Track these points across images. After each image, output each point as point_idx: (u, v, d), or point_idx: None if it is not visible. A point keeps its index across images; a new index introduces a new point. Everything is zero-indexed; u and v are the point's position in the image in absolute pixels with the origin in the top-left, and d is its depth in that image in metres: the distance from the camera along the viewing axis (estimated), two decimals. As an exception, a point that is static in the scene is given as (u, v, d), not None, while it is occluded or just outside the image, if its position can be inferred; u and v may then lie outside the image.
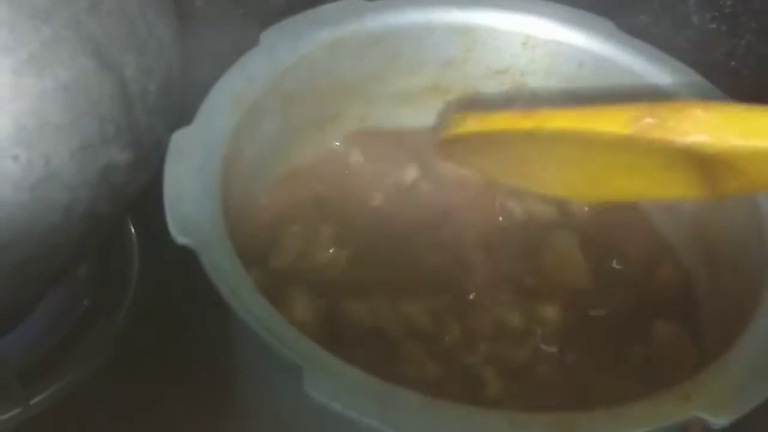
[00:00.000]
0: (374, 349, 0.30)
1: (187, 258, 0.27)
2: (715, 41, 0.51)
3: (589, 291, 0.34)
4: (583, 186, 0.36)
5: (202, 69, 0.35)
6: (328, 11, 0.36)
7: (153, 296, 0.44)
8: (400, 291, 0.33)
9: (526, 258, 0.35)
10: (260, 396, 0.31)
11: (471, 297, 0.34)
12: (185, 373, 0.40)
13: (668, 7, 0.50)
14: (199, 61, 0.38)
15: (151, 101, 0.34)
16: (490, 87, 0.40)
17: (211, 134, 0.30)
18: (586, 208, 0.37)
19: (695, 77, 0.36)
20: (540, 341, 0.31)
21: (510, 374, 0.30)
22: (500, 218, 0.37)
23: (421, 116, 0.41)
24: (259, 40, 0.35)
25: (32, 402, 0.38)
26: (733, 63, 0.51)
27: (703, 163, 0.28)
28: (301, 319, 0.31)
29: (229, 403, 0.36)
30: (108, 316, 0.43)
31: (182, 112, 0.35)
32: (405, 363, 0.30)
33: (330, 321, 0.32)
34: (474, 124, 0.34)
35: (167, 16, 0.36)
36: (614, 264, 0.35)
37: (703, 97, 0.35)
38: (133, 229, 0.46)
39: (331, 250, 0.35)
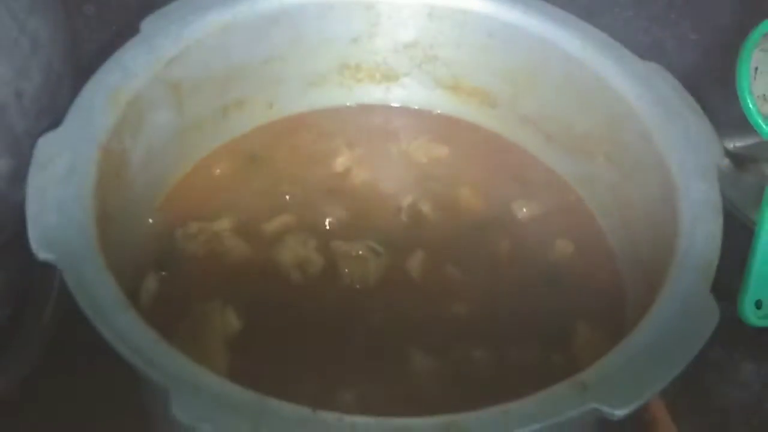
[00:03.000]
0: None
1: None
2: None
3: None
4: None
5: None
6: (215, -7, 0.34)
7: (76, 304, 0.42)
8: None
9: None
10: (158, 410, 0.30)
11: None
12: (111, 385, 0.39)
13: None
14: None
15: (29, 103, 0.32)
16: (402, 62, 0.39)
17: (84, 137, 0.28)
18: (524, 210, 0.36)
19: (607, 40, 0.34)
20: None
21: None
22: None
23: (334, 96, 0.39)
24: (140, 28, 0.32)
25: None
26: (672, 15, 0.50)
27: None
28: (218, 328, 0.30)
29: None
30: (30, 326, 0.41)
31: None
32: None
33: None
34: None
35: (43, 8, 0.33)
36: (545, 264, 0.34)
37: (615, 60, 0.34)
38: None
39: (241, 248, 0.33)
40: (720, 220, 0.28)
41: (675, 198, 0.29)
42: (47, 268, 0.43)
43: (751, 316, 0.37)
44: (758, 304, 0.37)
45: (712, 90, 0.40)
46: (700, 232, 0.27)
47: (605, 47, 0.34)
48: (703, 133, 0.31)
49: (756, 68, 0.38)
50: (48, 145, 0.28)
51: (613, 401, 0.22)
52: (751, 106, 0.37)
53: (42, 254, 0.25)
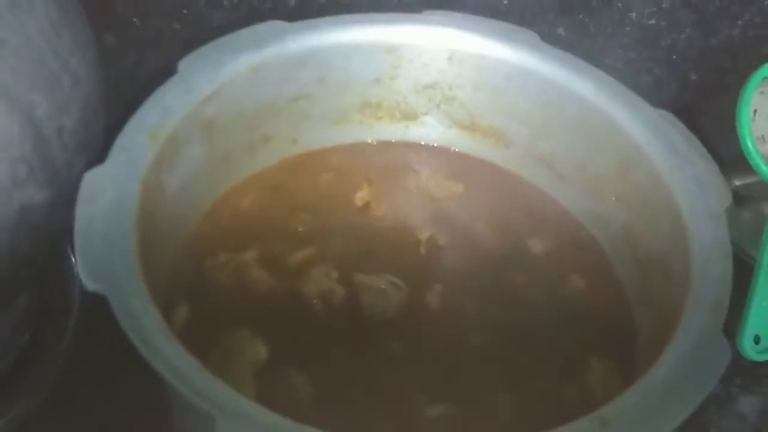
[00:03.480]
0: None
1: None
2: (655, 37, 0.51)
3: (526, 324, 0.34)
4: None
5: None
6: (248, 35, 0.36)
7: (95, 326, 0.43)
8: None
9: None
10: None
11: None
12: (130, 405, 0.39)
13: (606, 5, 0.50)
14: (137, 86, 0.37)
15: (68, 138, 0.33)
16: (422, 101, 0.40)
17: (126, 172, 0.30)
18: (538, 245, 0.37)
19: (619, 87, 0.36)
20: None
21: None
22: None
23: (355, 133, 0.41)
24: (177, 68, 0.34)
25: (-27, 443, 0.37)
26: (674, 57, 0.52)
27: None
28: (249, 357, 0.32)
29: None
30: (50, 349, 0.42)
31: (107, 144, 0.34)
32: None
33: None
34: None
35: (83, 47, 0.35)
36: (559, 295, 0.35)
37: (626, 106, 0.35)
38: (73, 258, 0.45)
39: (266, 279, 0.35)
40: (730, 263, 0.29)
41: (686, 240, 0.30)
42: (68, 291, 0.45)
43: (750, 350, 0.38)
44: (756, 339, 0.38)
45: (712, 129, 0.42)
46: (712, 274, 0.29)
47: (618, 94, 0.36)
48: (712, 178, 0.32)
49: (755, 110, 0.40)
50: (93, 181, 0.29)
51: (633, 436, 0.23)
52: (750, 147, 0.39)
53: (91, 286, 0.26)
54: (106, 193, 0.29)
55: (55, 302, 0.44)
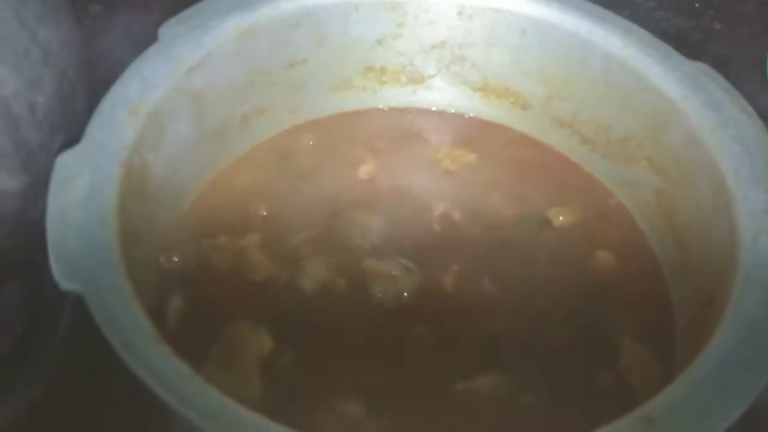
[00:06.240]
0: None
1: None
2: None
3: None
4: None
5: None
6: (235, -5, 0.32)
7: (91, 318, 0.41)
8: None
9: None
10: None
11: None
12: (126, 402, 0.37)
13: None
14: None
15: (42, 116, 0.30)
16: (429, 63, 0.37)
17: (104, 153, 0.27)
18: (561, 217, 0.34)
19: (650, 38, 0.33)
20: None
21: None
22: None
23: (358, 100, 0.38)
24: (158, 35, 0.31)
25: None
26: (696, 5, 0.49)
27: None
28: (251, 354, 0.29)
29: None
30: (44, 343, 0.40)
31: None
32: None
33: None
34: None
35: (54, 14, 0.32)
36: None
37: (658, 59, 0.32)
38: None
39: (267, 264, 0.32)
40: (784, 233, 0.26)
41: (731, 208, 0.27)
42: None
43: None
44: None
45: (740, 81, 0.39)
46: (763, 246, 0.26)
47: (648, 46, 0.32)
48: (757, 137, 0.29)
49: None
50: (67, 165, 0.26)
51: (684, 437, 0.21)
52: (785, 99, 0.36)
53: (65, 284, 0.23)
54: (82, 178, 0.26)
55: (49, 293, 0.41)
